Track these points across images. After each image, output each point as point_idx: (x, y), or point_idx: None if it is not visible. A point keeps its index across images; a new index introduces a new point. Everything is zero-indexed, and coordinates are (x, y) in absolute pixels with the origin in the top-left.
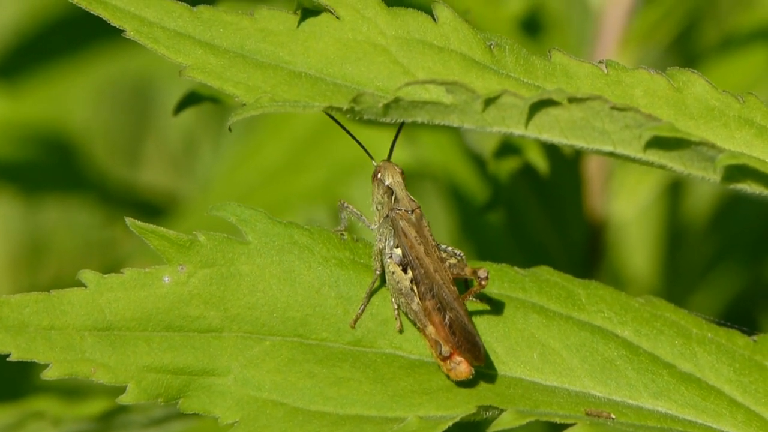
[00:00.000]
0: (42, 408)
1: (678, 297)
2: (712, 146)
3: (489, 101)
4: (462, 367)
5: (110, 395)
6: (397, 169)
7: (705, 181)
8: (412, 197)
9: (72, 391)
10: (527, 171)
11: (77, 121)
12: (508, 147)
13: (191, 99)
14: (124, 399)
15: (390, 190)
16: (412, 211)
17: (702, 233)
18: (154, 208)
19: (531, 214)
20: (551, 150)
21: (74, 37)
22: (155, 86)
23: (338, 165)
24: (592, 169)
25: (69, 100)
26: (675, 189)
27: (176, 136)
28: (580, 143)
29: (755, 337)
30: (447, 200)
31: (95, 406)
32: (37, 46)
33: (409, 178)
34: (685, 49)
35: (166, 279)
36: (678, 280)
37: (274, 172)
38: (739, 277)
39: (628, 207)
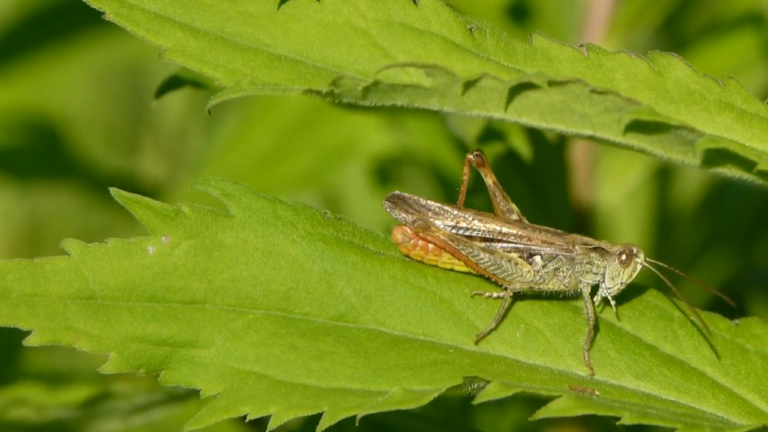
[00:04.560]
0: (25, 395)
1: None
2: (692, 130)
3: (469, 84)
4: None
5: (94, 382)
6: None
7: (686, 165)
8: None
9: (56, 378)
10: (512, 157)
11: (72, 109)
12: (491, 132)
13: (173, 83)
14: (106, 368)
15: None
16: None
17: (692, 218)
18: (148, 195)
19: (516, 199)
20: (536, 136)
21: (67, 23)
22: (150, 72)
23: (326, 151)
24: (578, 154)
25: (63, 88)
26: (664, 174)
27: (171, 123)
28: (559, 127)
29: (737, 321)
30: (432, 185)
31: (78, 393)
32: (29, 33)
33: (396, 163)
34: (674, 33)
35: (150, 249)
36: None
37: (261, 157)
38: (728, 262)
39: (615, 192)
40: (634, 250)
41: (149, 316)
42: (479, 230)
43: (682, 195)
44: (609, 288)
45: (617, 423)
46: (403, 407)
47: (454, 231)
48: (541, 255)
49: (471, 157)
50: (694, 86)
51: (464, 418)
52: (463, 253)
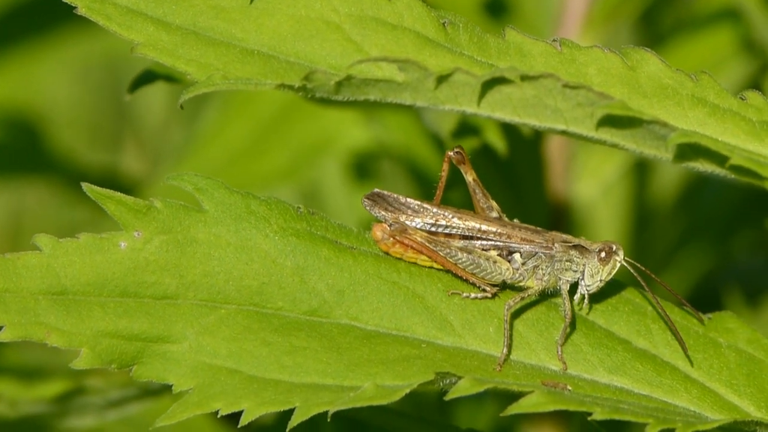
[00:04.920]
0: None
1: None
2: (665, 125)
3: (441, 79)
4: None
5: (68, 378)
6: None
7: (659, 160)
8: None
9: (30, 373)
10: (487, 152)
11: (54, 104)
12: (466, 127)
13: (146, 78)
14: (77, 364)
15: None
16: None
17: (669, 213)
18: (128, 190)
19: (492, 194)
20: (511, 131)
21: (48, 17)
22: (133, 67)
23: (303, 146)
24: (554, 149)
25: (45, 83)
26: (641, 169)
27: (154, 117)
28: (532, 121)
29: (710, 315)
30: (409, 179)
31: (52, 389)
32: (9, 28)
33: (373, 158)
34: (651, 28)
35: (123, 244)
36: (645, 260)
37: (239, 152)
38: (706, 257)
39: (591, 187)
40: (614, 248)
41: (121, 311)
42: (458, 228)
43: (659, 189)
44: (588, 285)
45: (589, 418)
46: (375, 403)
47: (433, 229)
48: (520, 253)
49: (451, 154)
50: (667, 81)
51: (442, 413)
52: (441, 254)
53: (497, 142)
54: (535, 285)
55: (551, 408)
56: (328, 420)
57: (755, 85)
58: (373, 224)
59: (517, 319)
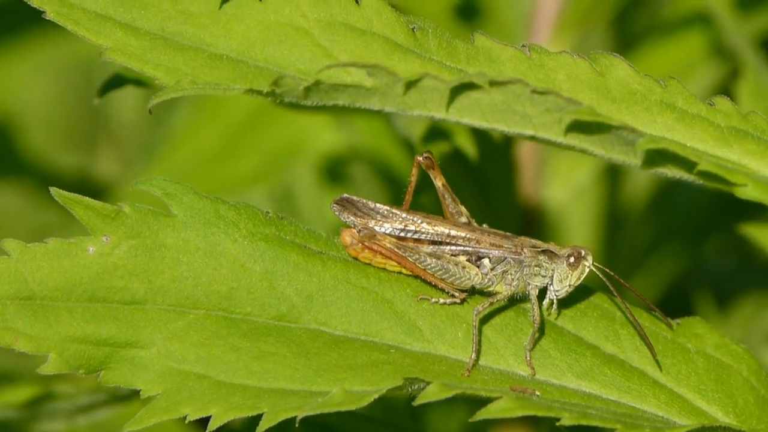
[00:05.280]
0: None
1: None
2: (633, 130)
3: (410, 84)
4: None
5: (37, 383)
6: None
7: (628, 165)
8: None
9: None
10: (458, 156)
11: (28, 106)
12: (436, 132)
13: (115, 82)
14: (45, 369)
15: None
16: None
17: (641, 217)
18: (100, 193)
19: (462, 199)
20: (481, 135)
21: (21, 20)
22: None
23: (274, 150)
24: (525, 154)
25: (19, 85)
26: (613, 173)
27: (128, 120)
28: (501, 127)
29: (678, 321)
30: (379, 183)
31: (21, 394)
32: None
33: (344, 162)
34: (622, 33)
35: (91, 249)
36: (617, 264)
37: (210, 156)
38: (677, 260)
39: (563, 191)
40: (583, 253)
41: (89, 316)
42: (427, 233)
43: (631, 193)
44: (557, 290)
45: (557, 424)
46: (344, 408)
47: (402, 234)
48: (489, 258)
49: (420, 159)
50: (635, 86)
51: (413, 418)
52: (410, 259)
53: (467, 147)
54: (503, 290)
55: (519, 413)
56: (297, 425)
57: (725, 89)
58: (342, 229)
59: (486, 324)
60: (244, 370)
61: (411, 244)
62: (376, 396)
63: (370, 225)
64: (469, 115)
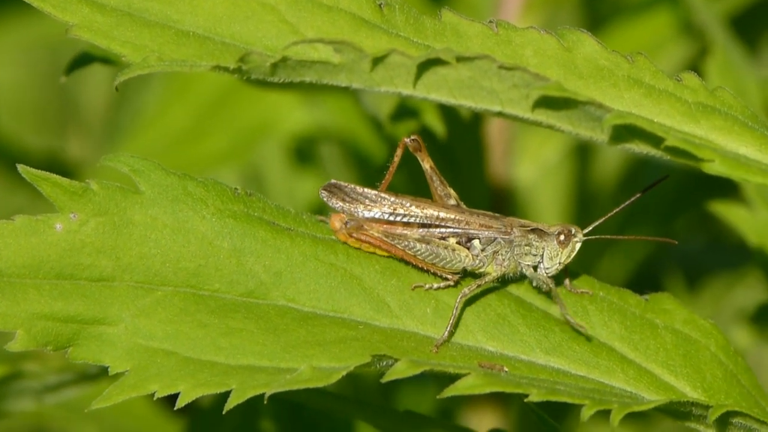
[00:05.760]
0: None
1: (588, 260)
2: (600, 106)
3: (377, 60)
4: None
5: (5, 362)
6: None
7: (595, 141)
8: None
9: None
10: (426, 134)
11: None
12: (405, 110)
13: (83, 60)
14: (12, 346)
15: None
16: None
17: (611, 195)
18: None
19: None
20: (450, 113)
21: None
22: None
23: (245, 128)
24: (495, 131)
25: None
26: (584, 150)
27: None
28: (468, 103)
29: (647, 296)
30: (349, 162)
31: None
32: None
33: (314, 141)
34: (592, 10)
35: (58, 227)
36: (587, 242)
37: (180, 135)
38: (648, 239)
39: (532, 169)
40: (573, 231)
41: (57, 293)
42: (416, 216)
43: (601, 171)
44: (548, 268)
45: (525, 400)
46: (312, 385)
47: (391, 218)
48: (479, 239)
49: (407, 141)
50: (602, 62)
51: (384, 396)
52: (399, 247)
53: (436, 124)
54: (494, 271)
55: (488, 390)
56: (265, 402)
57: (694, 67)
58: (331, 214)
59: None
60: (212, 347)
61: (400, 230)
62: (345, 373)
63: (359, 210)
64: (436, 91)
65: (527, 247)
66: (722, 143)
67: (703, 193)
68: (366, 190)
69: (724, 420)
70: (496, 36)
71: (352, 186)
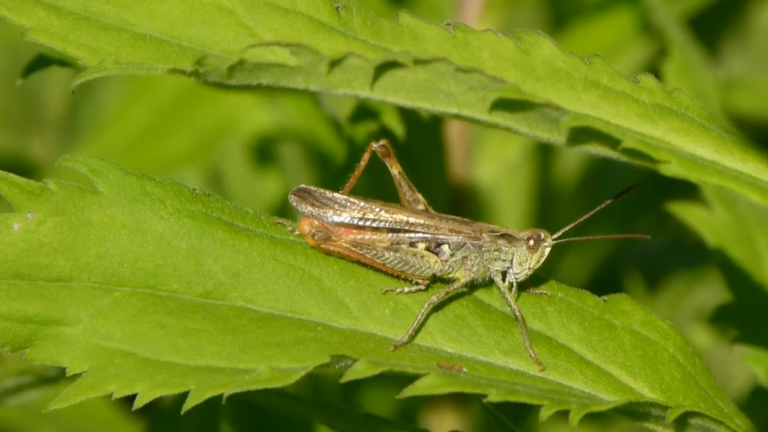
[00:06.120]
0: None
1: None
2: (557, 108)
3: (334, 63)
4: None
5: None
6: None
7: (553, 143)
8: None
9: None
10: (385, 135)
11: None
12: (364, 111)
13: (40, 62)
14: None
15: None
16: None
17: (573, 195)
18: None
19: (389, 178)
20: (410, 114)
21: None
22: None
23: (206, 129)
24: (455, 132)
25: None
26: (545, 151)
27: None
28: (425, 105)
29: (605, 297)
30: (309, 163)
31: None
32: None
33: (275, 142)
34: (553, 11)
35: (16, 226)
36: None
37: (140, 136)
38: (608, 240)
39: (493, 170)
40: (542, 236)
41: (14, 293)
42: (386, 221)
43: (562, 171)
44: (517, 274)
45: (484, 401)
46: (270, 385)
47: (361, 223)
48: (448, 244)
49: (376, 146)
50: (560, 64)
51: (346, 398)
52: (368, 256)
53: (395, 126)
54: (463, 276)
55: (446, 390)
56: (223, 403)
57: (654, 67)
58: (300, 218)
59: (413, 301)
60: (170, 348)
61: (369, 235)
62: (303, 373)
63: (328, 214)
64: (393, 93)
65: (496, 252)
66: (679, 144)
67: (664, 193)
68: (335, 194)
69: (682, 421)
70: (454, 38)
71: (322, 191)
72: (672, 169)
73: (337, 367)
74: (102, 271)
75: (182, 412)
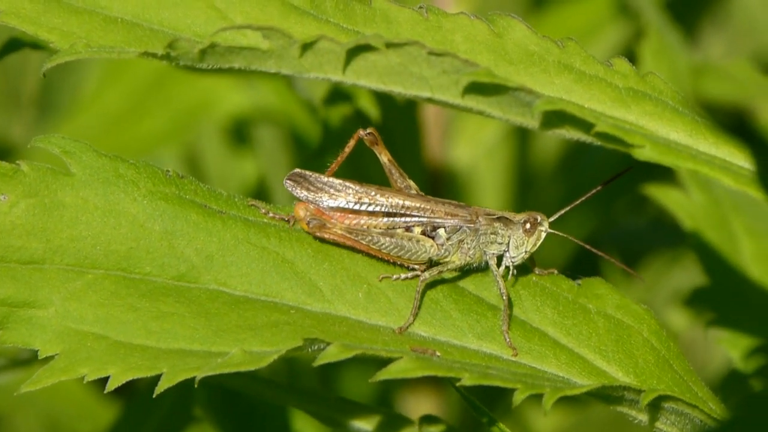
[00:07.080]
0: None
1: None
2: (530, 92)
3: (306, 47)
4: None
5: None
6: None
7: (526, 127)
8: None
9: None
10: (360, 118)
11: None
12: (338, 94)
13: (12, 46)
14: None
15: None
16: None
17: (551, 176)
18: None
19: (367, 161)
20: (385, 98)
21: None
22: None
23: (182, 111)
24: (431, 114)
25: None
26: (523, 132)
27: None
28: (398, 89)
29: (579, 281)
30: (286, 145)
31: None
32: None
33: (251, 123)
34: None
35: None
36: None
37: (116, 118)
38: (587, 221)
39: (470, 152)
40: (538, 219)
41: None
42: (382, 205)
43: (540, 153)
44: (513, 257)
45: (457, 384)
46: (243, 369)
47: (357, 207)
48: (444, 228)
49: (363, 134)
50: (533, 48)
51: (323, 382)
52: (363, 242)
53: (370, 108)
54: (459, 259)
55: (419, 374)
56: (196, 386)
57: (631, 50)
58: (296, 203)
59: (386, 284)
60: (143, 331)
61: (364, 220)
62: (276, 357)
63: (324, 199)
64: (365, 77)
65: (493, 236)
66: (653, 129)
67: (644, 175)
68: (331, 179)
69: (656, 405)
70: (426, 22)
71: (317, 175)
72: (645, 153)
73: (310, 350)
74: (75, 253)
75: (154, 395)
